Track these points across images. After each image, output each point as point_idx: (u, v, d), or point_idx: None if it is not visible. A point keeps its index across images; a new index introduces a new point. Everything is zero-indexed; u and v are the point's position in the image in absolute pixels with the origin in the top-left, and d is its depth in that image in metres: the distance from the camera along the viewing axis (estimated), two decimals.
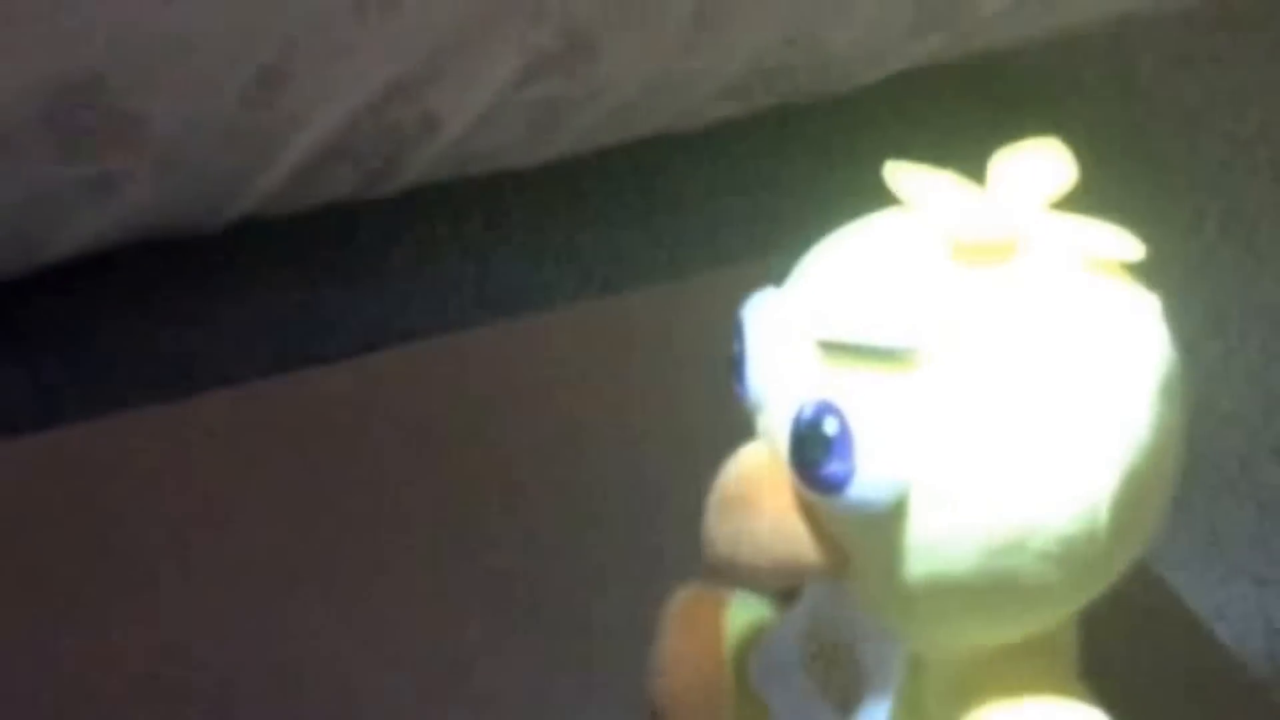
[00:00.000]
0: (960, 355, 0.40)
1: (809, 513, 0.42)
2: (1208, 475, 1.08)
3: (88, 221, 0.94)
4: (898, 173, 0.42)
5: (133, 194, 0.94)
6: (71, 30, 0.87)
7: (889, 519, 0.40)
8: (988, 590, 0.41)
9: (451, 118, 1.00)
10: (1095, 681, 0.46)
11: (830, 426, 0.40)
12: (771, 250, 0.48)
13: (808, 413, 0.40)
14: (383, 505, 0.65)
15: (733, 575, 0.43)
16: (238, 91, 0.92)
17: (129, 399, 0.73)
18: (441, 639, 0.60)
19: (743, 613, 0.54)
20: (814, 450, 0.40)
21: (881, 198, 0.43)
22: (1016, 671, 0.44)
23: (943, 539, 0.40)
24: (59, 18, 0.86)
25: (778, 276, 0.44)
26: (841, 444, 0.39)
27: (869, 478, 0.40)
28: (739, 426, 0.44)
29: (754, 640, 0.51)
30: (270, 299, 1.12)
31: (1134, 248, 0.41)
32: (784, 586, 0.48)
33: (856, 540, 0.42)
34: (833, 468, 0.40)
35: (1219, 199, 1.32)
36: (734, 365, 0.44)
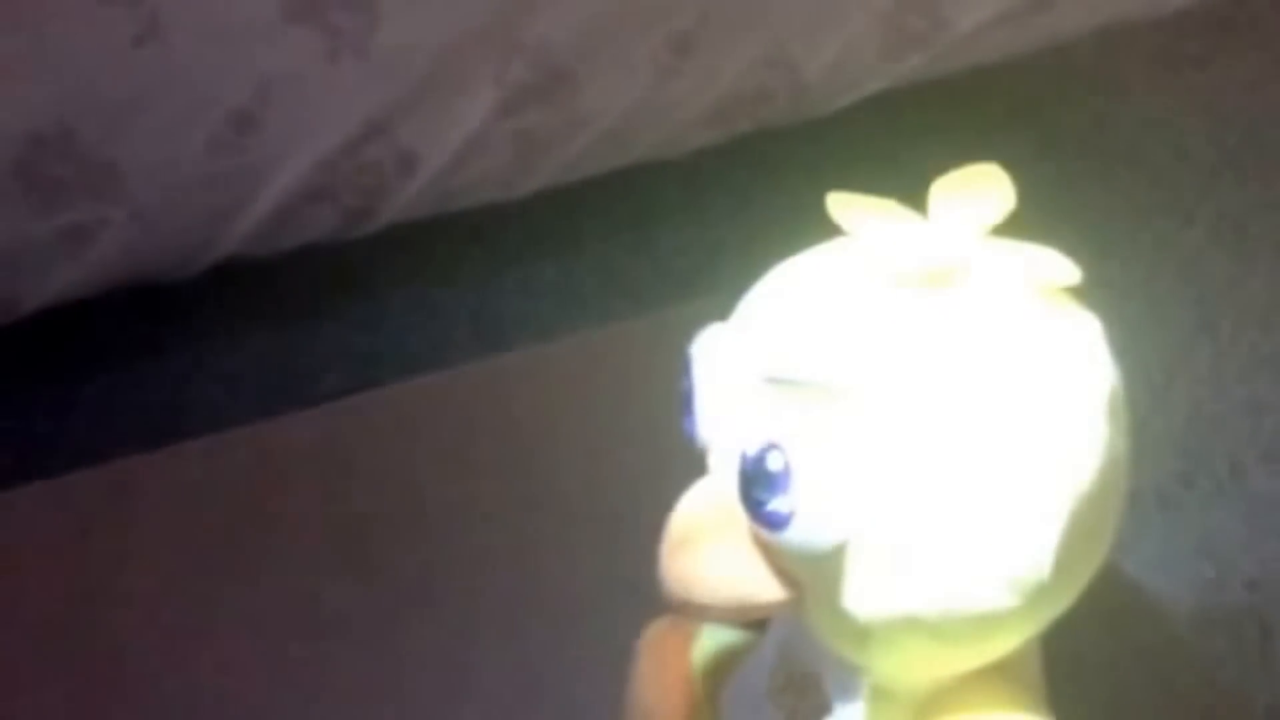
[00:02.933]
0: (900, 389, 0.40)
1: (764, 548, 0.42)
2: (1198, 479, 1.08)
3: (65, 272, 0.95)
4: (839, 204, 0.42)
5: (109, 243, 0.94)
6: (40, 82, 0.87)
7: (837, 555, 0.40)
8: (939, 624, 0.41)
9: (430, 154, 1.00)
10: (1063, 680, 0.45)
11: (774, 463, 0.40)
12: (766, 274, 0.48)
13: (753, 451, 0.40)
14: (371, 536, 0.65)
15: (689, 613, 0.43)
16: (209, 136, 0.92)
17: (116, 447, 0.73)
18: (423, 669, 0.60)
19: (714, 643, 0.54)
20: (759, 487, 0.40)
21: None
22: (978, 694, 0.44)
23: (891, 574, 0.40)
24: (23, 70, 0.87)
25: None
26: (784, 481, 0.39)
27: (811, 516, 0.39)
28: None
29: (725, 670, 0.52)
30: (264, 337, 1.12)
31: (1072, 272, 0.41)
32: (743, 621, 0.48)
33: (807, 576, 0.42)
34: (776, 505, 0.40)
35: (1208, 203, 1.32)
36: (683, 402, 0.44)
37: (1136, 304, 1.20)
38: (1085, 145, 1.38)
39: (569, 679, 0.60)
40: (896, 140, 1.15)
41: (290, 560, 0.65)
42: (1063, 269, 0.41)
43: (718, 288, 0.45)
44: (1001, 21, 1.16)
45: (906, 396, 0.40)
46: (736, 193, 1.22)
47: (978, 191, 0.42)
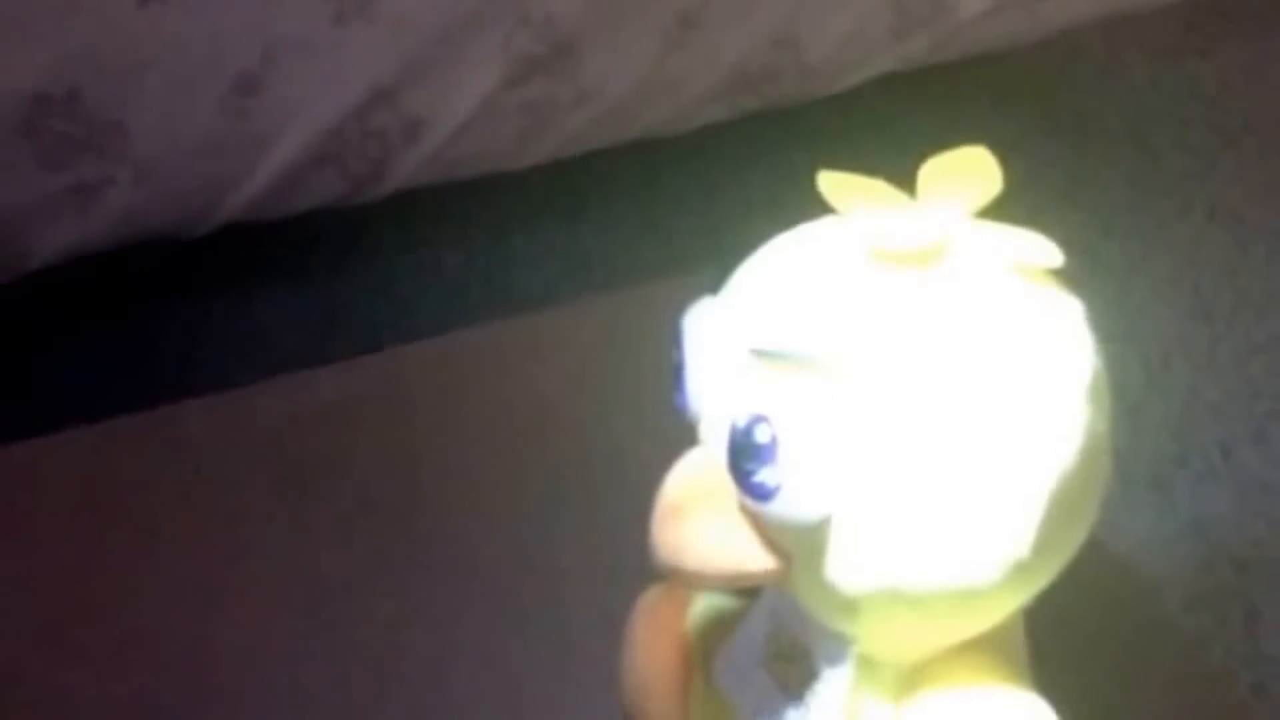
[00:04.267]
0: (886, 365, 0.41)
1: (752, 519, 0.43)
2: (1191, 461, 1.09)
3: (70, 229, 0.95)
4: (829, 183, 0.43)
5: (114, 202, 0.94)
6: (47, 41, 0.88)
7: (821, 528, 0.41)
8: (922, 598, 0.42)
9: (435, 122, 1.01)
10: (1047, 658, 0.46)
11: (762, 435, 0.40)
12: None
13: (741, 422, 0.41)
14: (370, 502, 0.66)
15: (680, 581, 0.44)
16: (216, 99, 0.93)
17: (117, 407, 0.74)
18: (419, 635, 0.61)
19: (708, 611, 0.55)
20: (747, 459, 0.41)
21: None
22: (963, 665, 0.45)
23: (874, 548, 0.41)
24: (32, 30, 0.87)
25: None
26: (772, 453, 0.40)
27: (797, 489, 0.40)
28: None
29: (718, 637, 0.52)
30: (267, 301, 1.13)
31: (1054, 254, 0.42)
32: (733, 589, 0.49)
33: (794, 547, 0.43)
34: (763, 477, 0.40)
35: (1207, 190, 1.33)
36: (675, 375, 0.45)
37: (1135, 287, 1.21)
38: (1087, 131, 1.38)
39: (564, 644, 0.60)
40: (899, 123, 1.16)
41: (287, 521, 0.65)
42: (1046, 252, 0.42)
43: (719, 263, 0.46)
44: (1005, 7, 1.17)
45: (892, 372, 0.41)
46: (740, 170, 1.23)
47: (965, 174, 0.43)
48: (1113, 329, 0.45)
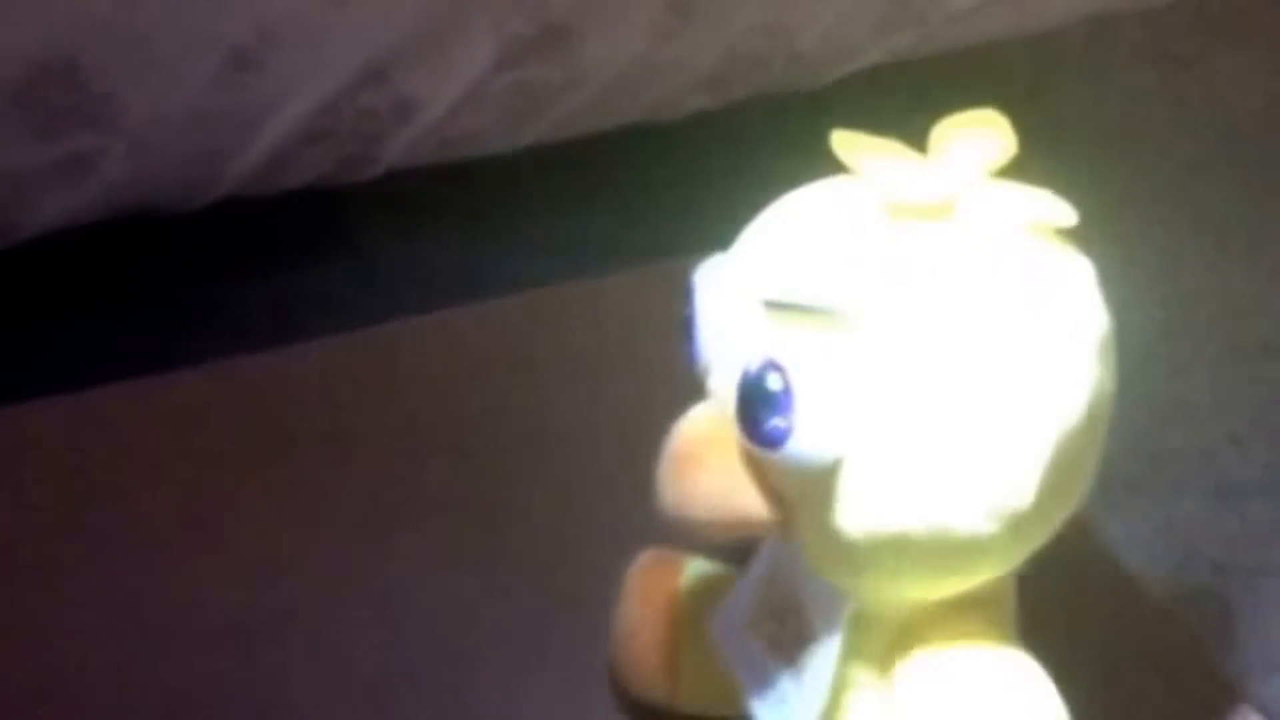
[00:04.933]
0: (897, 316, 0.41)
1: (756, 469, 0.43)
2: (1169, 463, 1.10)
3: (62, 200, 0.95)
4: (843, 141, 0.43)
5: (108, 173, 0.94)
6: (44, 12, 0.88)
7: (829, 474, 0.42)
8: (924, 546, 0.42)
9: (428, 103, 1.01)
10: (1036, 646, 0.47)
11: (774, 383, 0.41)
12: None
13: (753, 369, 0.41)
14: (353, 478, 0.66)
15: (684, 530, 0.44)
16: (211, 74, 0.93)
17: (102, 377, 0.74)
18: (412, 602, 0.61)
19: (701, 574, 0.56)
20: (758, 406, 0.41)
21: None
22: (955, 624, 0.45)
23: (880, 495, 0.42)
24: (31, 1, 0.87)
25: None
26: (784, 400, 0.41)
27: (809, 433, 0.41)
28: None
29: (711, 600, 0.53)
30: (250, 279, 1.13)
31: (1068, 213, 0.42)
32: (734, 540, 0.49)
33: (799, 495, 0.43)
34: (774, 423, 0.41)
35: (1191, 195, 1.34)
36: (685, 328, 0.45)
37: (1114, 290, 1.22)
38: (1069, 134, 1.39)
39: (559, 607, 0.61)
40: (887, 115, 1.16)
41: (276, 490, 0.65)
42: (1060, 210, 0.42)
43: (706, 249, 0.47)
44: (993, 2, 1.18)
45: (902, 323, 0.41)
46: (730, 158, 1.23)
47: (979, 132, 0.43)
48: None
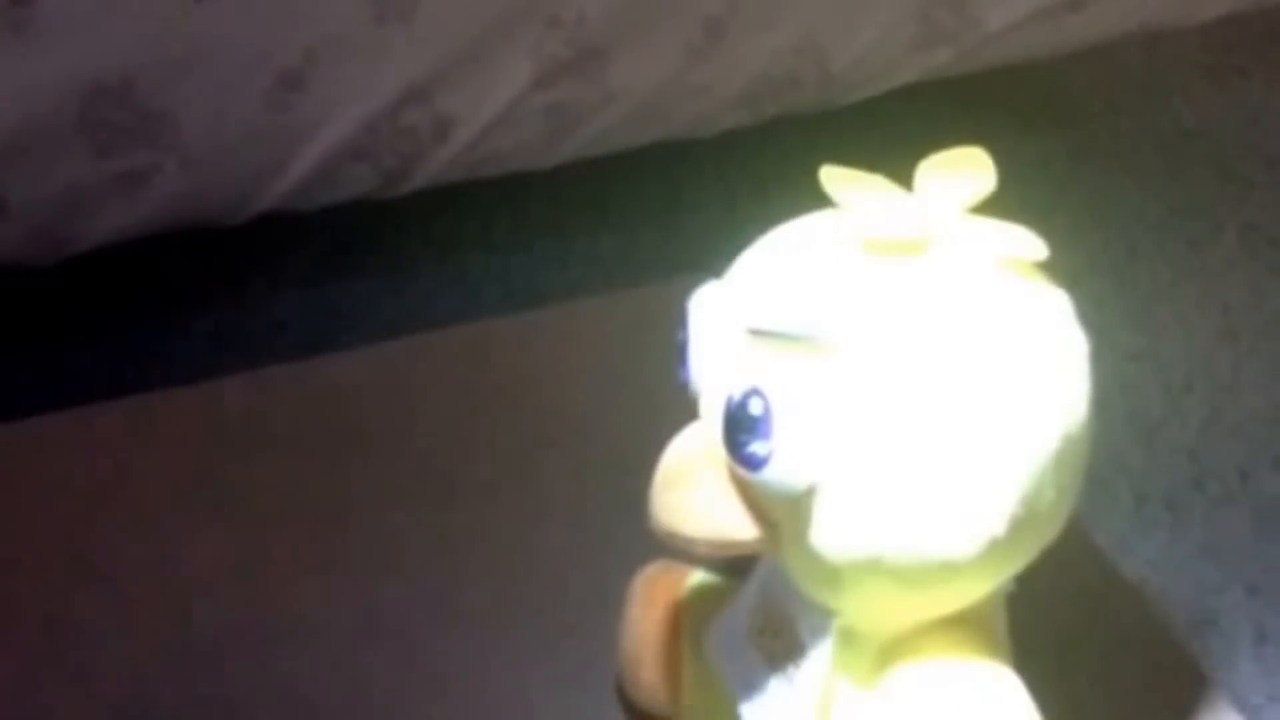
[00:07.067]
0: (875, 345, 0.43)
1: (742, 490, 0.45)
2: (1208, 483, 1.09)
3: (118, 214, 0.98)
4: (830, 176, 0.45)
5: (160, 189, 0.98)
6: (104, 35, 0.91)
7: (807, 497, 0.43)
8: (901, 569, 0.43)
9: (465, 121, 1.03)
10: (1029, 652, 0.48)
11: (755, 408, 0.42)
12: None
13: (737, 395, 0.43)
14: (380, 486, 0.68)
15: (674, 547, 0.46)
16: (261, 93, 0.96)
17: (153, 384, 0.76)
18: (419, 615, 0.62)
19: (702, 587, 0.57)
20: (740, 430, 0.43)
21: None
22: (940, 640, 0.47)
23: (858, 519, 0.43)
24: (92, 23, 0.90)
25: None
26: (764, 426, 0.42)
27: (787, 458, 0.42)
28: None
29: (710, 611, 0.54)
30: (295, 291, 1.15)
31: (1039, 248, 0.43)
32: (725, 558, 0.51)
33: (783, 517, 0.45)
34: (754, 448, 0.43)
35: (1239, 213, 1.33)
36: (679, 351, 0.47)
37: (1161, 308, 1.21)
38: (1121, 149, 1.38)
39: (562, 619, 0.62)
40: (922, 134, 1.16)
41: (308, 496, 0.67)
42: (1032, 245, 0.43)
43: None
44: (1032, 21, 1.18)
45: (880, 351, 0.43)
46: (761, 176, 1.24)
47: (961, 171, 0.45)
48: (1135, 348, 0.46)
